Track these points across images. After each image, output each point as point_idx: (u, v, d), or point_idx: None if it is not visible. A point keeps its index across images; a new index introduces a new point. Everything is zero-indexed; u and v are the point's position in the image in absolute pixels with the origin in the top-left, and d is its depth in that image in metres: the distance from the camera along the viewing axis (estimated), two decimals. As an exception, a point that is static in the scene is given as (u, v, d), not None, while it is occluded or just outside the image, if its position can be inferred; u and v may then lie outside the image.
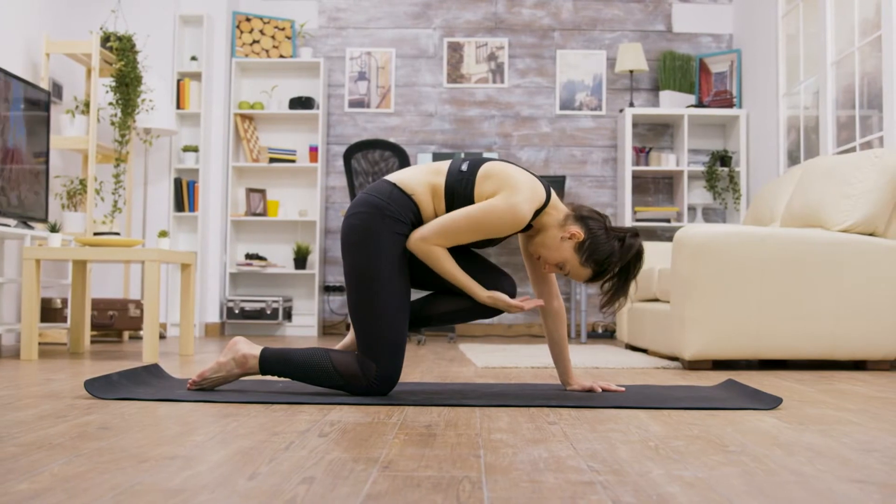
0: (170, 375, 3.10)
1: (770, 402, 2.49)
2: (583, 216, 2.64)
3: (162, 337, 6.07)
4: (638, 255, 2.62)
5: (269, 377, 3.20)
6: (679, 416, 2.31)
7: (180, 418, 2.15)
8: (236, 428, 2.00)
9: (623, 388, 2.87)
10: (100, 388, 2.61)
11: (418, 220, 2.62)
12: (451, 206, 2.60)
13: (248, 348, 2.66)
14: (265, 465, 1.57)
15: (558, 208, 2.66)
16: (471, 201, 2.58)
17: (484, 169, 2.60)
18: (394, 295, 2.54)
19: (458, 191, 2.59)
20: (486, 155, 6.97)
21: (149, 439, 1.83)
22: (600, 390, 2.83)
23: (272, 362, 2.64)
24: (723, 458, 1.69)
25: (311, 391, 2.70)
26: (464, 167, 2.62)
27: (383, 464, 1.60)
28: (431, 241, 2.55)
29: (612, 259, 2.60)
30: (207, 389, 2.69)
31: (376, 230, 2.55)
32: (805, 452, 1.77)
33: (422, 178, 2.63)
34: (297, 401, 2.48)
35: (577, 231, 2.61)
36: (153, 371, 3.04)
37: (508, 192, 2.54)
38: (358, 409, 2.36)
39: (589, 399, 2.60)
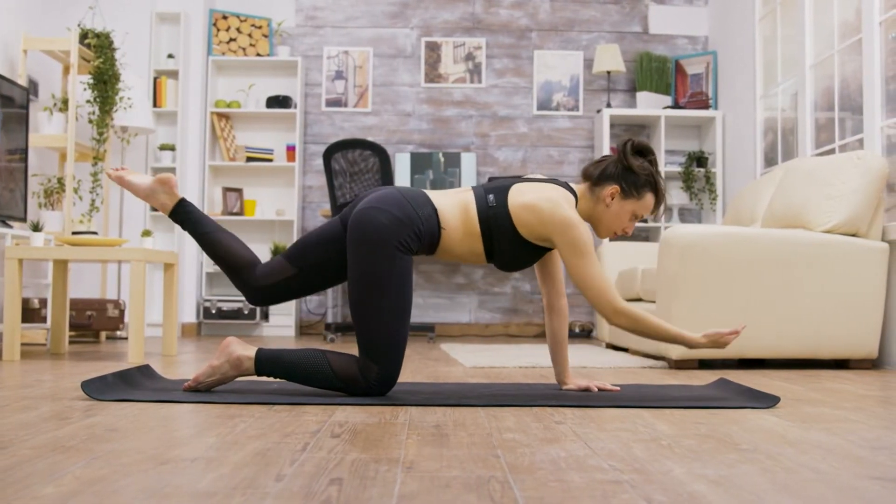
0: (162, 376, 3.07)
1: (768, 401, 2.52)
2: (598, 176, 2.70)
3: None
4: (648, 149, 2.72)
5: (262, 378, 3.18)
6: (682, 414, 2.33)
7: (185, 420, 2.13)
8: (245, 429, 1.99)
9: (618, 388, 2.89)
10: (97, 389, 2.58)
11: (430, 248, 2.64)
12: (489, 241, 2.63)
13: (242, 350, 2.64)
14: (288, 467, 1.56)
15: (582, 193, 2.74)
16: (512, 232, 2.61)
17: (513, 198, 2.62)
18: (399, 296, 2.53)
19: (495, 225, 2.61)
20: (463, 155, 6.98)
21: (160, 441, 1.82)
22: (596, 390, 2.84)
23: (268, 364, 2.62)
24: (738, 457, 1.71)
25: (309, 392, 2.68)
26: (490, 199, 2.64)
27: (405, 464, 1.60)
28: (619, 300, 2.58)
29: (648, 172, 2.69)
30: (203, 392, 2.67)
31: (397, 237, 2.52)
32: (816, 450, 1.80)
33: (456, 212, 2.64)
34: (298, 401, 2.47)
35: (611, 188, 2.68)
36: (145, 372, 3.01)
37: (560, 212, 2.57)
38: (362, 410, 2.35)
39: (588, 398, 2.61)
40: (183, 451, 1.70)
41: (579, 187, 2.75)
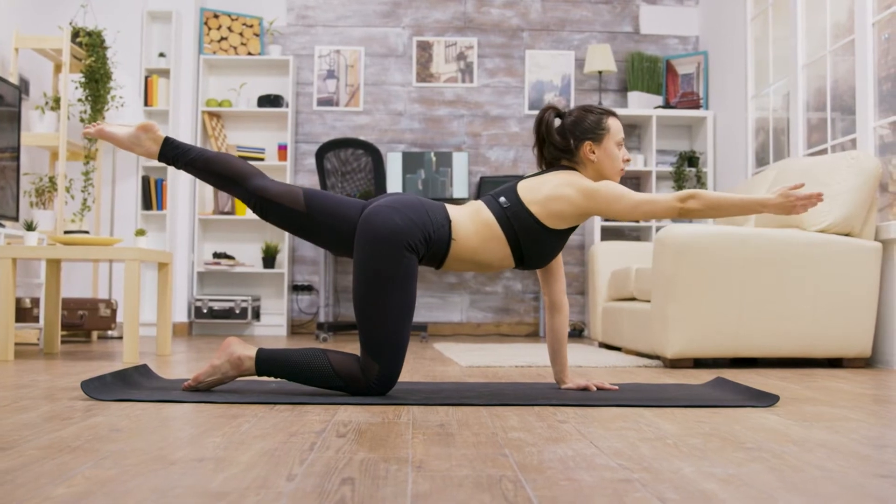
0: (159, 376, 3.06)
1: (768, 400, 2.54)
2: (566, 150, 2.77)
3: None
4: (553, 110, 2.81)
5: (261, 378, 3.17)
6: (683, 413, 2.34)
7: (188, 420, 2.13)
8: (249, 429, 1.98)
9: (617, 387, 2.90)
10: (96, 389, 2.58)
11: (437, 258, 2.64)
12: (515, 241, 2.64)
13: (243, 349, 2.63)
14: (298, 467, 1.56)
15: (576, 167, 2.79)
16: (536, 226, 2.63)
17: (527, 195, 2.66)
18: (403, 296, 2.53)
19: (518, 225, 2.63)
20: (455, 155, 6.98)
21: (166, 441, 1.81)
22: (595, 389, 2.85)
23: (269, 364, 2.61)
24: (745, 455, 1.72)
25: (309, 391, 2.68)
26: (503, 201, 2.66)
27: (415, 464, 1.60)
28: (676, 194, 2.58)
29: (589, 111, 2.78)
30: (203, 391, 2.66)
31: (407, 238, 2.52)
32: (820, 449, 1.80)
33: (468, 221, 2.65)
34: (299, 401, 2.46)
35: (585, 147, 2.75)
36: (143, 371, 3.00)
37: (581, 187, 2.65)
38: (364, 409, 2.35)
39: (589, 398, 2.62)
40: (189, 451, 1.70)
41: (572, 165, 2.80)
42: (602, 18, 7.38)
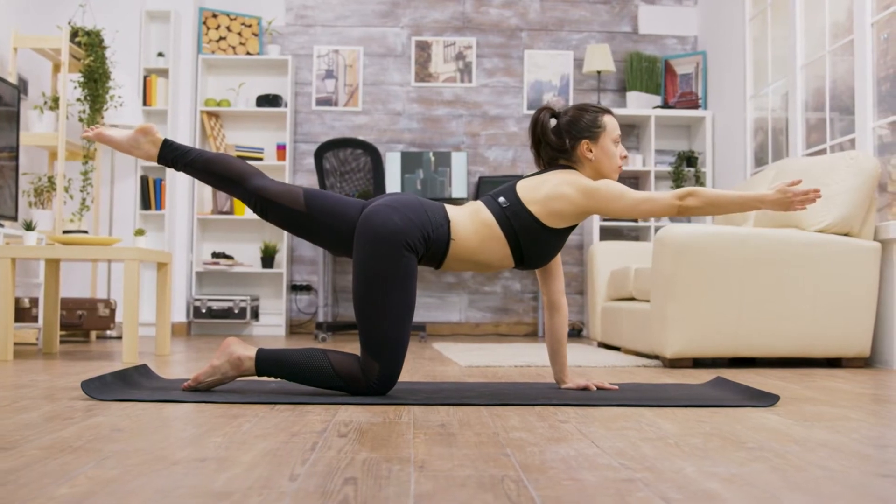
0: (159, 376, 3.06)
1: (768, 400, 2.54)
2: (563, 151, 2.77)
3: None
4: (549, 111, 2.82)
5: (261, 378, 3.17)
6: (683, 413, 2.34)
7: (189, 420, 2.13)
8: (250, 429, 1.98)
9: (617, 387, 2.90)
10: (96, 389, 2.57)
11: (436, 258, 2.64)
12: (514, 239, 2.64)
13: (243, 350, 2.63)
14: (300, 467, 1.56)
15: (574, 166, 2.79)
16: (536, 225, 2.64)
17: (526, 195, 2.66)
18: (403, 295, 2.54)
19: (518, 224, 2.64)
20: (454, 155, 6.98)
21: (167, 441, 1.81)
22: (595, 389, 2.85)
23: (269, 364, 2.61)
24: (746, 455, 1.72)
25: (309, 391, 2.68)
26: (502, 201, 2.66)
27: (417, 463, 1.60)
28: (675, 192, 2.59)
29: (583, 110, 2.78)
30: (203, 391, 2.66)
31: (406, 237, 2.53)
32: (822, 449, 1.81)
33: (468, 222, 2.65)
34: (299, 401, 2.46)
35: (582, 146, 2.75)
36: (143, 371, 3.00)
37: (581, 186, 2.66)
38: (365, 409, 2.35)
39: (589, 397, 2.62)
40: (191, 451, 1.70)
41: (569, 165, 2.80)
42: (600, 18, 7.39)
